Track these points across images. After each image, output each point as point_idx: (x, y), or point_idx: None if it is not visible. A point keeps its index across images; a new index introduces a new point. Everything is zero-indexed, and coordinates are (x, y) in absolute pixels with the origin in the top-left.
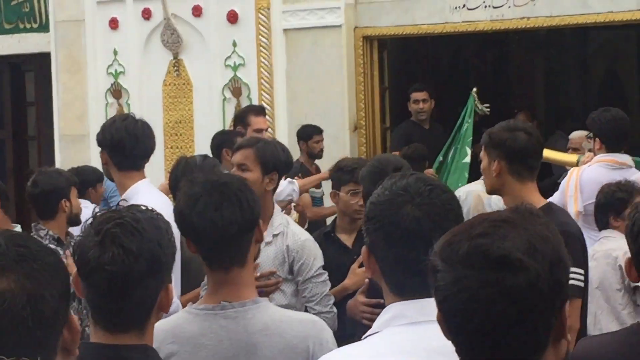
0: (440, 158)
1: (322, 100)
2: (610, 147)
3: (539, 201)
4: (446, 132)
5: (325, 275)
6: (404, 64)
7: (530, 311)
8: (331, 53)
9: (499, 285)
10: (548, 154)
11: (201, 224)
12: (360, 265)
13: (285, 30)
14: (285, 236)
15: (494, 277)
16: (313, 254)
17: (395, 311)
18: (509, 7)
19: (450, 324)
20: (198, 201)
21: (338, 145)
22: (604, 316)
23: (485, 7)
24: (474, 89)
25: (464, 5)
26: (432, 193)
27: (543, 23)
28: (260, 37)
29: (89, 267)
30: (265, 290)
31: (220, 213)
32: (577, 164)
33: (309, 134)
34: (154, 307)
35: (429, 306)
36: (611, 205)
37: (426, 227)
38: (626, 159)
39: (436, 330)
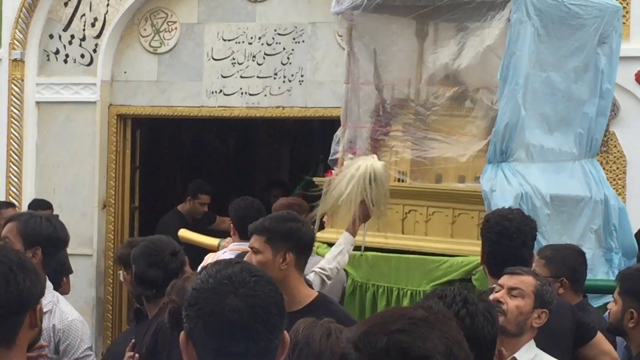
0: None
1: (72, 175)
2: (243, 235)
3: (309, 293)
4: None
5: (92, 357)
6: (154, 144)
7: None
8: (84, 129)
9: None
10: (190, 235)
11: None
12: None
13: (38, 102)
14: (52, 315)
15: None
16: (80, 335)
17: None
18: (265, 95)
19: None
20: None
21: (86, 222)
22: None
23: (242, 94)
24: None
25: (221, 91)
26: (257, 285)
27: (298, 113)
28: (12, 108)
29: None
30: None
31: None
32: (217, 248)
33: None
34: None
35: None
36: None
37: (248, 319)
38: None
39: None
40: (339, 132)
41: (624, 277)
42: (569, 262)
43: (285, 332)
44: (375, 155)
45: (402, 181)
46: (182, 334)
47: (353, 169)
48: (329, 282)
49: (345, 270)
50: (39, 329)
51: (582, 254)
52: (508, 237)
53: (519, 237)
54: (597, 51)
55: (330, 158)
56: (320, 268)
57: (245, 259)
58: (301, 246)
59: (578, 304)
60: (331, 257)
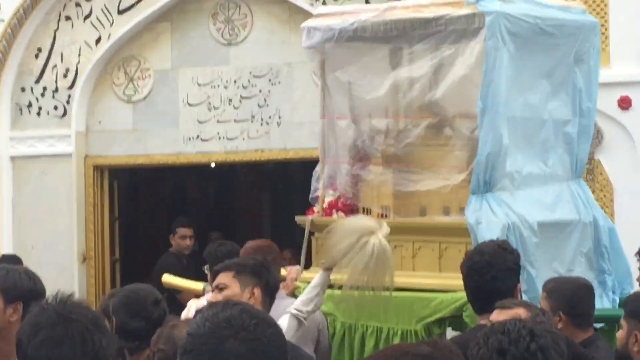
0: None
1: (50, 230)
2: None
3: None
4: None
5: None
6: (133, 194)
7: None
8: (61, 182)
9: None
10: (173, 280)
11: (35, 358)
12: None
13: (12, 157)
14: None
15: None
16: None
17: None
18: (244, 138)
19: None
20: (39, 332)
21: (66, 277)
22: None
23: (220, 138)
24: None
25: (198, 136)
26: (257, 328)
27: (277, 155)
28: None
29: None
30: None
31: (59, 351)
32: (203, 293)
33: None
34: None
35: None
36: None
37: None
38: None
39: None
40: (318, 169)
41: (628, 300)
42: (566, 296)
43: None
44: (384, 224)
45: (386, 216)
46: None
47: (362, 242)
48: (305, 323)
49: (330, 313)
50: None
51: (585, 286)
52: (477, 271)
53: (489, 271)
54: (574, 70)
55: (311, 196)
56: (297, 309)
57: (208, 299)
58: (269, 286)
59: (586, 339)
60: (307, 298)
